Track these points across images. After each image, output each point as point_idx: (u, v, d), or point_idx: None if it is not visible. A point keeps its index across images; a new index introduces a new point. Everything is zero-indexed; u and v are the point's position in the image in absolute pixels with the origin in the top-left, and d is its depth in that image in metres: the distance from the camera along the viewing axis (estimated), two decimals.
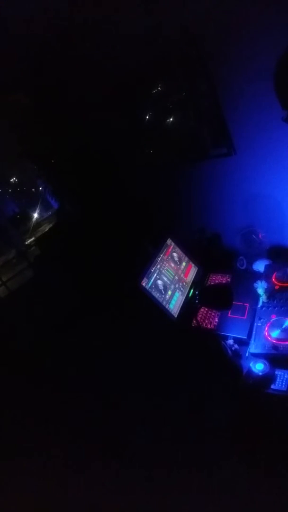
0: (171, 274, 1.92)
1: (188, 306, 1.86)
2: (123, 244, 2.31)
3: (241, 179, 1.91)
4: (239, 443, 1.37)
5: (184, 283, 1.97)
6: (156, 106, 1.96)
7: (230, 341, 1.58)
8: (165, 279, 1.87)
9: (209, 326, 1.75)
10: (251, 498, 1.25)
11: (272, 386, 1.35)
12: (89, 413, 1.89)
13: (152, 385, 1.75)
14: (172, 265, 1.98)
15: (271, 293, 1.68)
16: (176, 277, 1.94)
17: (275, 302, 1.63)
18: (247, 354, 1.52)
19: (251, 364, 1.41)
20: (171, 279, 1.90)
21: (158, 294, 1.76)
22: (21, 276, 5.08)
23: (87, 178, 2.51)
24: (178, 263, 2.03)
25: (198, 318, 1.80)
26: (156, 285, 1.79)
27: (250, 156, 1.78)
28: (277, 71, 1.42)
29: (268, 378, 1.37)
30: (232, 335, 1.62)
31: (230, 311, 1.75)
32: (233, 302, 1.73)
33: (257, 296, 1.70)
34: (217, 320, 1.77)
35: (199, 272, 2.10)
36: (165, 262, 1.94)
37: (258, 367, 1.38)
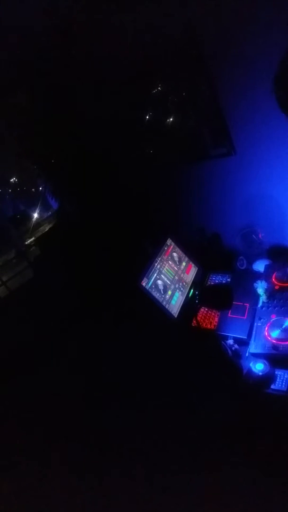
0: (171, 274, 1.92)
1: (188, 306, 1.86)
2: (123, 244, 2.31)
3: (241, 179, 1.91)
4: (239, 443, 1.37)
5: (184, 283, 1.97)
6: (156, 106, 1.96)
7: (230, 341, 1.58)
8: (165, 279, 1.87)
9: (209, 326, 1.75)
10: (251, 498, 1.25)
11: (272, 386, 1.35)
12: (89, 413, 1.89)
13: (152, 385, 1.75)
14: (172, 265, 1.98)
15: (271, 293, 1.68)
16: (176, 277, 1.94)
17: (275, 302, 1.63)
18: (247, 354, 1.52)
19: (251, 364, 1.41)
20: (171, 279, 1.90)
21: (158, 294, 1.76)
22: (21, 276, 5.08)
23: (87, 178, 2.51)
24: (178, 263, 2.03)
25: (198, 318, 1.80)
26: (156, 285, 1.80)
27: (250, 156, 1.78)
28: (277, 83, 1.41)
29: (268, 378, 1.37)
30: (232, 335, 1.62)
31: (230, 311, 1.75)
32: (233, 302, 1.73)
33: (257, 296, 1.70)
34: (217, 320, 1.77)
35: (199, 272, 2.10)
36: (165, 262, 1.94)
37: (258, 367, 1.38)
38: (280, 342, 1.43)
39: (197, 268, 2.11)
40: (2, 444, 2.03)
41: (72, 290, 2.53)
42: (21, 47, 1.84)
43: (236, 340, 1.59)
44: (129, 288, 1.79)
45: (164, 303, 1.77)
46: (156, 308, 1.73)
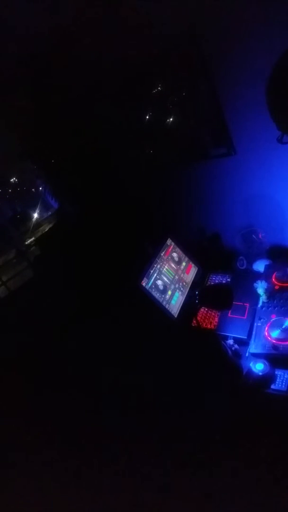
0: (171, 274, 1.92)
1: (188, 306, 1.86)
2: (123, 244, 2.30)
3: (241, 179, 1.91)
4: (239, 443, 1.37)
5: (184, 283, 1.97)
6: (156, 106, 1.96)
7: (230, 341, 1.58)
8: (165, 279, 1.87)
9: (209, 326, 1.75)
10: (251, 498, 1.24)
11: (272, 386, 1.35)
12: (89, 414, 1.89)
13: (152, 385, 1.75)
14: (172, 265, 1.98)
15: (271, 293, 1.68)
16: (176, 277, 1.94)
17: (275, 302, 1.63)
18: (247, 354, 1.52)
19: (251, 364, 1.41)
20: (171, 279, 1.90)
21: (158, 294, 1.76)
22: (21, 276, 5.07)
23: (87, 178, 2.51)
24: (178, 263, 2.03)
25: (198, 318, 1.80)
26: (156, 285, 1.79)
27: (250, 156, 1.78)
28: (269, 94, 1.42)
29: (268, 378, 1.37)
30: (232, 335, 1.62)
31: (230, 311, 1.75)
32: (233, 302, 1.72)
33: (257, 296, 1.70)
34: (217, 320, 1.77)
35: (199, 272, 2.10)
36: (165, 262, 1.94)
37: (258, 367, 1.38)
38: (280, 342, 1.43)
39: (197, 268, 2.11)
40: (2, 444, 2.02)
41: (72, 290, 2.52)
42: (21, 47, 1.84)
43: (236, 340, 1.59)
44: (129, 288, 1.79)
45: (164, 303, 1.77)
46: (156, 308, 1.73)
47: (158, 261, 1.91)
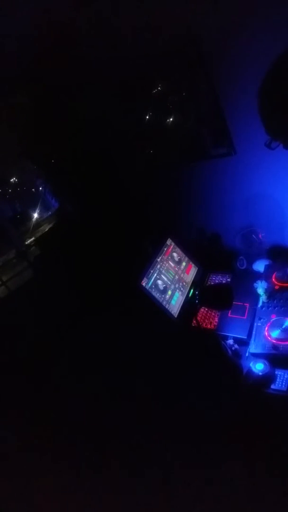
0: (171, 274, 1.93)
1: (188, 306, 1.86)
2: (123, 244, 2.31)
3: (241, 179, 1.91)
4: (239, 443, 1.37)
5: (184, 283, 1.97)
6: (156, 106, 1.96)
7: (230, 341, 1.58)
8: (165, 279, 1.87)
9: (209, 326, 1.75)
10: (251, 498, 1.25)
11: (272, 386, 1.35)
12: (89, 414, 1.89)
13: (152, 385, 1.75)
14: (172, 265, 1.98)
15: (271, 293, 1.68)
16: (176, 277, 1.94)
17: (275, 302, 1.63)
18: (247, 354, 1.52)
19: (251, 364, 1.41)
20: (171, 279, 1.90)
21: (158, 294, 1.76)
22: (21, 276, 5.07)
23: (87, 178, 2.51)
24: (178, 263, 2.03)
25: (198, 318, 1.80)
26: (156, 285, 1.80)
27: (250, 156, 1.77)
28: (259, 99, 1.42)
29: (268, 378, 1.37)
30: (232, 335, 1.62)
31: (230, 311, 1.75)
32: (233, 302, 1.73)
33: (257, 296, 1.70)
34: (217, 320, 1.77)
35: (199, 272, 2.10)
36: (165, 262, 1.94)
37: (258, 367, 1.38)
38: (280, 342, 1.43)
39: (197, 268, 2.11)
40: (2, 442, 2.03)
41: (72, 290, 2.53)
42: (21, 47, 1.84)
43: (236, 340, 1.59)
44: (129, 288, 1.79)
45: (164, 303, 1.77)
46: (156, 308, 1.73)
47: (158, 261, 1.91)
